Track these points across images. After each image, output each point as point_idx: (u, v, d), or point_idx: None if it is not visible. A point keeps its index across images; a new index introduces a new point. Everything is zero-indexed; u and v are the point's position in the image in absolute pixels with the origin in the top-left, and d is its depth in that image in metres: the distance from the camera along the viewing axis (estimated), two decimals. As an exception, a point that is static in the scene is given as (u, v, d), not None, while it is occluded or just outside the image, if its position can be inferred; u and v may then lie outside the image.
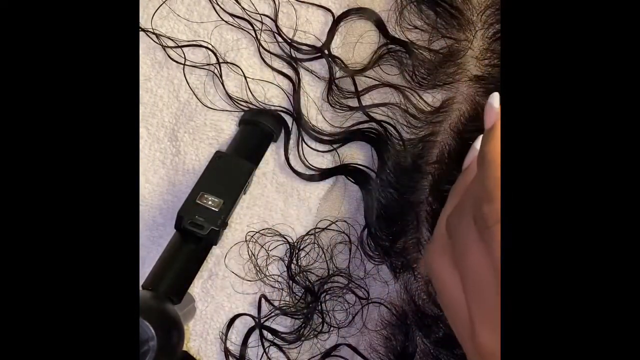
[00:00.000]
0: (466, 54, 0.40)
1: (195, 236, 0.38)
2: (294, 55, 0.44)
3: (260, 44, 0.44)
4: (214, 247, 0.41)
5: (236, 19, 0.44)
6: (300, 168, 0.44)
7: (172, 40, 0.45)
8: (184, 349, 0.37)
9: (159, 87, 0.45)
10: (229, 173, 0.40)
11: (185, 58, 0.45)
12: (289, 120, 0.44)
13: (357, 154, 0.44)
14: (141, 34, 0.45)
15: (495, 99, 0.32)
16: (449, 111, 0.40)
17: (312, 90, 0.45)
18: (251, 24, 0.44)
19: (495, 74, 0.39)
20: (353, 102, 0.44)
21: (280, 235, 0.44)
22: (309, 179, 0.44)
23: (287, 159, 0.44)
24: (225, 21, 0.44)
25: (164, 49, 0.45)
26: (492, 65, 0.40)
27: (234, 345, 0.43)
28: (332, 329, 0.43)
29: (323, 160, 0.44)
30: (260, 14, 0.45)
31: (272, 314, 0.43)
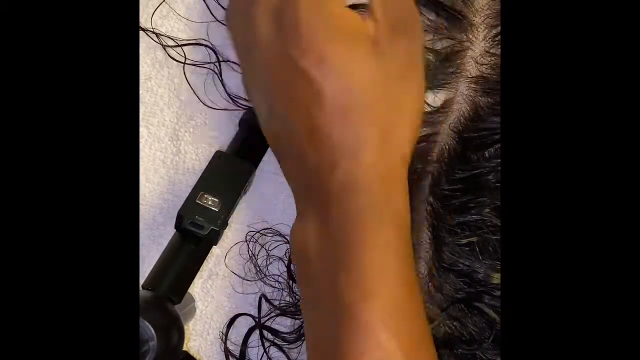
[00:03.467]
0: (467, 55, 0.40)
1: (196, 236, 0.38)
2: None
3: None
4: (214, 247, 0.41)
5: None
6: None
7: (172, 39, 0.45)
8: (184, 348, 0.37)
9: (160, 86, 0.45)
10: (229, 173, 0.40)
11: (185, 57, 0.45)
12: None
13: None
14: (141, 33, 0.45)
15: None
16: (449, 111, 0.40)
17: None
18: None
19: (496, 76, 0.39)
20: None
21: (280, 235, 0.44)
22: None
23: None
24: (221, 22, 0.44)
25: (164, 48, 0.45)
26: (493, 66, 0.40)
27: (234, 345, 0.43)
28: (332, 329, 0.43)
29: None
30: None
31: (273, 314, 0.43)
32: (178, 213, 0.39)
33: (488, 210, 0.39)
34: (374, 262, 0.30)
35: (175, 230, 0.39)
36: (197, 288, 0.44)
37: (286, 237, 0.44)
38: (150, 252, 0.44)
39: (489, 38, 0.40)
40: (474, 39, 0.40)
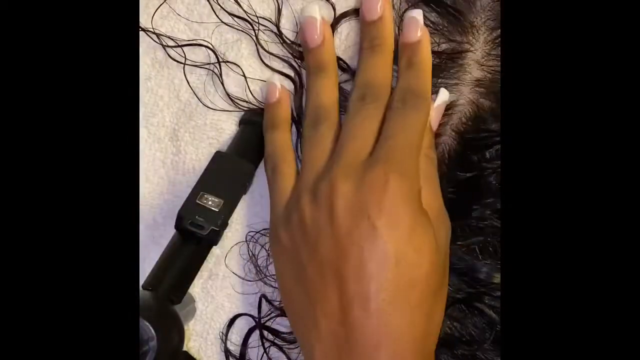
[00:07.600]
0: (467, 57, 0.40)
1: (196, 236, 0.38)
2: (296, 53, 0.44)
3: (260, 45, 0.44)
4: (214, 247, 0.41)
5: (236, 19, 0.44)
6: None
7: (172, 39, 0.45)
8: (184, 349, 0.37)
9: (160, 86, 0.45)
10: (229, 173, 0.40)
11: (185, 57, 0.45)
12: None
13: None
14: (141, 33, 0.45)
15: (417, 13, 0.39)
16: (452, 113, 0.40)
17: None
18: (251, 25, 0.44)
19: (498, 76, 0.39)
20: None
21: (280, 235, 0.43)
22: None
23: None
24: (224, 22, 0.44)
25: (164, 49, 0.45)
26: (494, 68, 0.40)
27: (234, 346, 0.43)
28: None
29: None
30: (258, 17, 0.44)
31: (273, 314, 0.43)
32: (178, 213, 0.39)
33: (489, 212, 0.39)
34: None
35: (175, 230, 0.39)
36: (197, 288, 0.44)
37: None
38: (150, 252, 0.44)
39: (490, 41, 0.40)
40: (474, 41, 0.40)
